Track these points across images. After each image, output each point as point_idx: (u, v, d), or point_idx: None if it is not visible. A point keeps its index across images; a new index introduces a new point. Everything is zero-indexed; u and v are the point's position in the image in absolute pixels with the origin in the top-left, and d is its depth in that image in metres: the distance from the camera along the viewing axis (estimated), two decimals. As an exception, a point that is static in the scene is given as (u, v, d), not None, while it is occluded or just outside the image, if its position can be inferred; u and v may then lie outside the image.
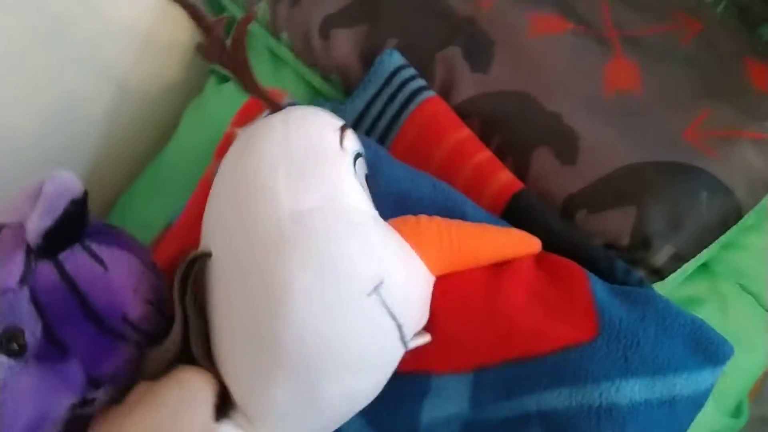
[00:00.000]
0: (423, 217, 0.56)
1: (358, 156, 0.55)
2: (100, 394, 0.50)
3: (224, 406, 0.49)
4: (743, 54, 0.71)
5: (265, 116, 0.56)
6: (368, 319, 0.48)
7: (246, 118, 0.70)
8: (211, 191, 0.54)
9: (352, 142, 0.55)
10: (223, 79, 0.86)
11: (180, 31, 0.92)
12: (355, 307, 0.47)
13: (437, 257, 0.54)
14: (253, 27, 0.83)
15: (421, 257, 0.53)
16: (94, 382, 0.50)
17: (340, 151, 0.53)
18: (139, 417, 0.49)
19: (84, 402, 0.50)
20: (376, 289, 0.47)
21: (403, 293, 0.50)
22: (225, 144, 0.70)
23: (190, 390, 0.49)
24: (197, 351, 0.50)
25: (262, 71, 0.84)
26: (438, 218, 0.56)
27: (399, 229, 0.53)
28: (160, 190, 0.81)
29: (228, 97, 0.83)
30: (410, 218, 0.55)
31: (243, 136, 0.56)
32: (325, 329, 0.47)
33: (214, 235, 0.52)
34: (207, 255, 0.50)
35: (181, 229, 0.69)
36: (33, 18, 0.74)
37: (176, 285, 0.49)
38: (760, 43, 0.71)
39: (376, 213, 0.53)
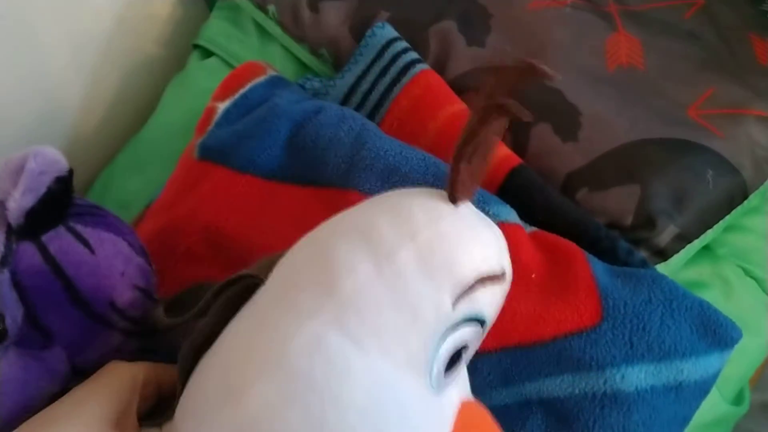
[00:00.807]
0: None
1: (470, 323, 0.39)
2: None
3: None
4: (747, 29, 0.69)
5: (435, 193, 0.41)
6: None
7: (228, 90, 0.68)
8: (326, 225, 0.41)
9: (476, 304, 0.39)
10: (206, 54, 0.83)
11: (159, 4, 0.89)
12: None
13: None
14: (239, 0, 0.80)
15: None
16: (78, 371, 0.47)
17: (445, 308, 0.38)
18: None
19: (65, 392, 0.47)
20: None
21: None
22: (205, 119, 0.67)
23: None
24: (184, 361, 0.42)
25: (249, 46, 0.81)
26: None
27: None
28: (141, 167, 0.78)
29: (211, 73, 0.80)
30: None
31: (396, 194, 0.41)
32: None
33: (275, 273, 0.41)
34: (256, 279, 0.41)
35: (160, 207, 0.66)
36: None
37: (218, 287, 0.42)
38: (764, 18, 0.69)
39: (434, 401, 0.39)
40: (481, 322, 0.40)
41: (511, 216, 0.57)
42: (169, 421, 0.41)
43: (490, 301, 0.40)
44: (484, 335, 0.42)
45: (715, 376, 0.52)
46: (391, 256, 0.37)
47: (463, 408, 0.40)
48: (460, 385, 0.41)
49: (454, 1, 0.72)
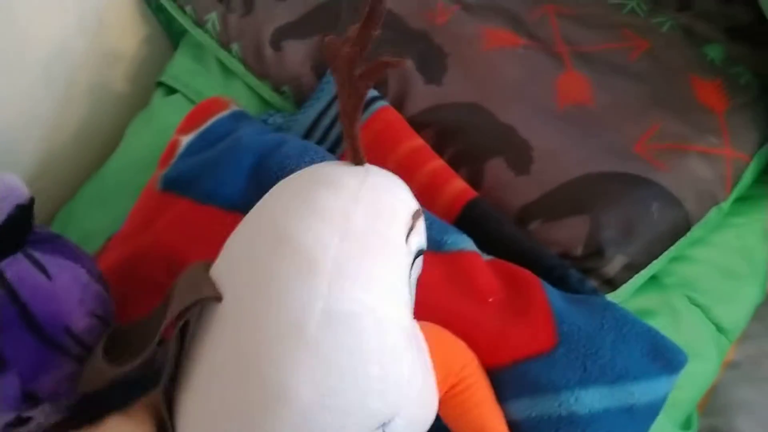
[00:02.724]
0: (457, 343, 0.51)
1: (419, 254, 0.47)
2: (37, 414, 0.47)
3: None
4: (689, 71, 0.72)
5: (343, 163, 0.47)
6: None
7: (192, 124, 0.69)
8: (245, 220, 0.46)
9: (420, 236, 0.47)
10: (170, 91, 0.85)
11: (126, 42, 0.91)
12: None
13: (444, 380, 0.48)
14: (203, 38, 0.82)
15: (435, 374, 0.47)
16: (31, 399, 0.46)
17: (403, 247, 0.44)
18: None
19: (19, 421, 0.46)
20: (383, 426, 0.41)
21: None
22: (169, 152, 0.68)
23: None
24: (163, 397, 0.43)
25: (212, 83, 0.82)
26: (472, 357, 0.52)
27: (428, 336, 0.47)
28: (104, 201, 0.78)
29: (175, 109, 0.81)
30: (443, 332, 0.51)
31: (305, 175, 0.46)
32: None
33: (230, 283, 0.42)
34: (218, 299, 0.41)
35: (122, 238, 0.66)
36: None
37: (175, 319, 0.41)
38: (704, 61, 0.73)
39: (414, 326, 0.45)
40: (422, 251, 0.47)
41: (468, 244, 0.59)
42: None
43: (423, 232, 0.47)
44: None
45: (665, 398, 0.54)
46: (347, 221, 0.41)
47: (419, 324, 0.47)
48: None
49: (412, 41, 0.75)
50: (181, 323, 0.41)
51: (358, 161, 0.46)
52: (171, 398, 0.43)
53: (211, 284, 0.42)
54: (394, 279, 0.43)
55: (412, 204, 0.47)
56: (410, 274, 0.45)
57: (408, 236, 0.45)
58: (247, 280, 0.41)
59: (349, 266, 0.40)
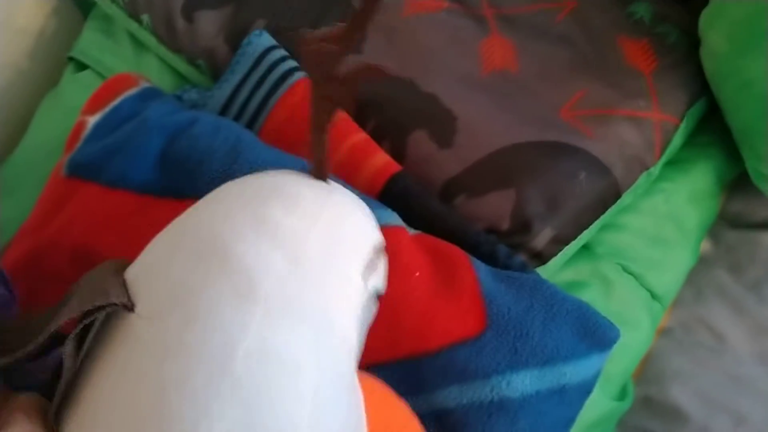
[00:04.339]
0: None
1: (376, 297, 0.42)
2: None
3: None
4: (616, 31, 0.70)
5: (308, 171, 0.41)
6: None
7: (98, 103, 0.65)
8: (176, 222, 0.40)
9: (380, 276, 0.42)
10: (81, 67, 0.80)
11: (32, 15, 0.85)
12: None
13: None
14: (111, 9, 0.77)
15: None
16: None
17: (360, 285, 0.38)
18: None
19: None
20: None
21: None
22: (75, 134, 0.64)
23: None
24: (53, 409, 0.36)
25: (124, 58, 0.78)
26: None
27: (368, 393, 0.40)
28: (12, 190, 0.73)
29: (85, 87, 0.76)
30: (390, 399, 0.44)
31: (257, 183, 0.40)
32: None
33: (147, 292, 0.36)
34: (128, 308, 0.35)
35: (27, 230, 0.62)
36: None
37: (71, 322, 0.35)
38: (632, 20, 0.71)
39: (355, 378, 0.39)
40: (380, 295, 0.42)
41: (393, 219, 0.56)
42: None
43: (384, 272, 0.42)
44: None
45: (596, 376, 0.53)
46: (300, 244, 0.36)
47: (361, 380, 0.40)
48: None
49: (331, 8, 0.71)
50: (78, 329, 0.35)
51: (321, 176, 0.40)
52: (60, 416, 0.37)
53: (123, 290, 0.36)
54: (342, 319, 0.37)
55: (375, 236, 0.41)
56: (362, 317, 0.39)
57: (366, 273, 0.39)
58: (168, 294, 0.35)
59: (292, 296, 0.35)
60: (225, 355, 0.32)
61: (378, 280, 0.41)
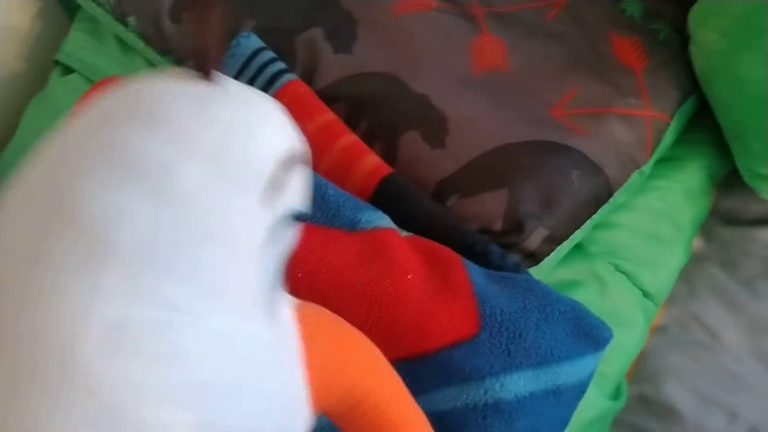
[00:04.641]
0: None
1: (295, 219, 0.33)
2: None
3: None
4: (607, 28, 0.70)
5: (179, 77, 0.31)
6: None
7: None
8: (21, 171, 0.30)
9: (295, 193, 0.33)
10: (68, 70, 0.79)
11: (18, 16, 0.84)
12: None
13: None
14: (96, 12, 0.76)
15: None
16: None
17: (257, 216, 0.30)
18: None
19: None
20: None
21: None
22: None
23: None
24: None
25: (111, 60, 0.77)
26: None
27: (313, 333, 0.34)
28: (-1, 194, 0.73)
29: (72, 90, 0.76)
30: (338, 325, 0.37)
31: (115, 101, 0.31)
32: None
33: None
34: None
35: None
36: None
37: None
38: (623, 17, 0.71)
39: (280, 324, 0.32)
40: (299, 216, 0.33)
41: (384, 221, 0.56)
42: None
43: (301, 187, 0.33)
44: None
45: (591, 376, 0.52)
46: (171, 179, 0.28)
47: (302, 315, 0.34)
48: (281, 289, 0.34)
49: (320, 9, 0.71)
50: None
51: (205, 73, 0.30)
52: None
53: None
54: (236, 269, 0.29)
55: (281, 145, 0.32)
56: (270, 251, 0.31)
57: (271, 194, 0.30)
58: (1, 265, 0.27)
59: (163, 250, 0.27)
60: (72, 346, 0.25)
61: (292, 198, 0.32)
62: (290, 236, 0.34)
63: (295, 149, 0.33)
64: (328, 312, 0.38)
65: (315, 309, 0.37)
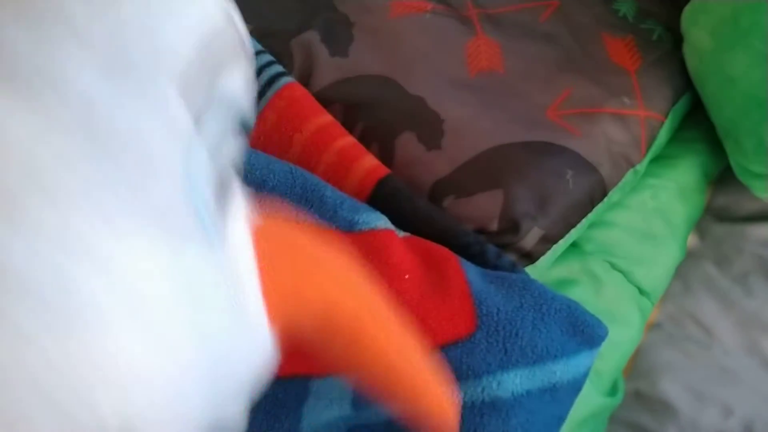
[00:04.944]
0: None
1: (243, 125, 0.28)
2: None
3: None
4: (600, 29, 0.71)
5: None
6: None
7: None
8: None
9: (236, 86, 0.27)
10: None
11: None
12: None
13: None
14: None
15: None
16: None
17: (177, 113, 0.24)
18: None
19: None
20: None
21: None
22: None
23: None
24: None
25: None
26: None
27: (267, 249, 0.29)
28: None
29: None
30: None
31: None
32: None
33: None
34: None
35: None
36: None
37: None
38: (616, 17, 0.72)
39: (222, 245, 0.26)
40: (243, 124, 0.27)
41: (382, 222, 0.57)
42: None
43: (240, 85, 0.27)
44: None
45: (586, 373, 0.53)
46: (60, 90, 0.21)
47: (261, 229, 0.29)
48: (243, 208, 0.28)
49: (316, 11, 0.71)
50: None
51: None
52: None
53: None
54: (152, 184, 0.23)
55: (201, 28, 0.25)
56: (205, 164, 0.25)
57: (191, 86, 0.24)
58: None
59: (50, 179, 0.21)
60: None
61: (227, 98, 0.26)
62: (234, 147, 0.27)
63: (225, 32, 0.26)
64: (297, 224, 0.33)
65: (281, 221, 0.32)
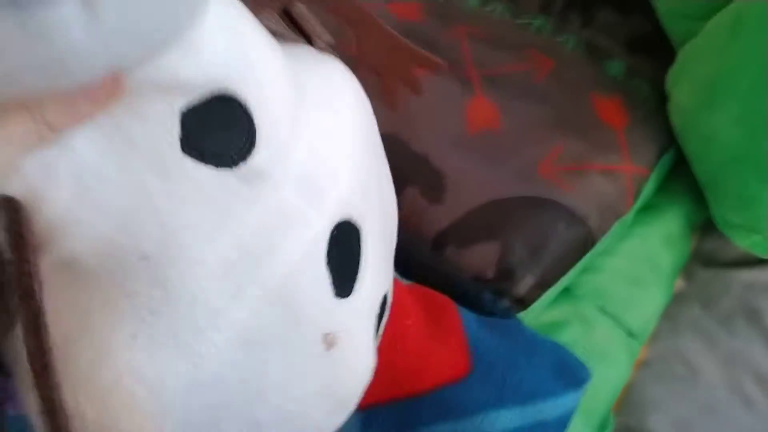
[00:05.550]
0: None
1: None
2: None
3: None
4: (589, 89, 0.76)
5: None
6: None
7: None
8: None
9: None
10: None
11: None
12: None
13: None
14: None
15: None
16: None
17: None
18: None
19: None
20: None
21: None
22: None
23: None
24: None
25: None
26: None
27: None
28: None
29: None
30: None
31: None
32: None
33: None
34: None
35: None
36: None
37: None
38: (605, 77, 0.77)
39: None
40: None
41: None
42: None
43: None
44: None
45: (573, 411, 0.58)
46: None
47: None
48: None
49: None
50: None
51: None
52: None
53: None
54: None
55: None
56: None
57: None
58: None
59: None
60: None
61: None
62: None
63: None
64: None
65: None
